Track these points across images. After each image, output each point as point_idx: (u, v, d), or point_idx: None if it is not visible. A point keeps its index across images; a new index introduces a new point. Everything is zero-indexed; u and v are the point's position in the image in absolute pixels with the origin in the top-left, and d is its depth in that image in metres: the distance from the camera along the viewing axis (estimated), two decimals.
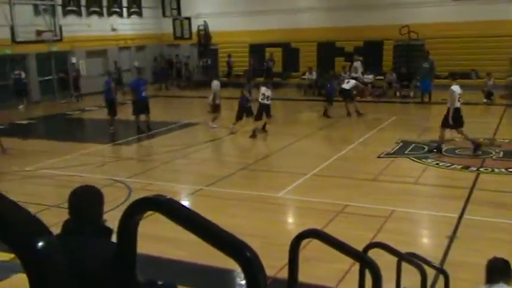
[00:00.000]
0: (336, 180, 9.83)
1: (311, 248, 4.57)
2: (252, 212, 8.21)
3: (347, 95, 16.75)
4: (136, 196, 6.92)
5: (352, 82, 17.28)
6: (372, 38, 22.86)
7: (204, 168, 11.19)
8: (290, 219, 8.49)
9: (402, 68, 21.33)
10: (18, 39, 17.98)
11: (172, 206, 1.27)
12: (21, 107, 15.74)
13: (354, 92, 17.30)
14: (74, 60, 23.29)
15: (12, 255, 3.06)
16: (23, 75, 19.65)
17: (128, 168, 11.37)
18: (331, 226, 7.32)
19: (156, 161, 11.91)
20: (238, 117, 13.97)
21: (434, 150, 11.46)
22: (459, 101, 11.14)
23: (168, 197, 1.35)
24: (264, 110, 13.82)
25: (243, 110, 13.90)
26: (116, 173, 10.58)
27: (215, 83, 15.38)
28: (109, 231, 2.39)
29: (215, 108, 15.13)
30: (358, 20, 22.82)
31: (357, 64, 21.61)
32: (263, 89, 14.00)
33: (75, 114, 19.38)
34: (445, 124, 11.29)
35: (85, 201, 2.49)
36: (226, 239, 1.23)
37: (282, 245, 5.59)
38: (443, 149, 11.43)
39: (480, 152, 11.18)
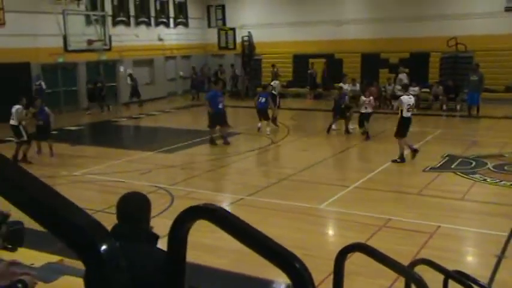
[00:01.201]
0: (379, 193, 9.67)
1: (352, 261, 4.51)
2: (293, 223, 8.17)
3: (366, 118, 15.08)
4: (178, 203, 7.06)
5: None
6: (418, 50, 22.48)
7: (245, 178, 11.23)
8: (331, 232, 8.40)
9: (449, 81, 20.83)
10: (70, 48, 18.65)
11: (222, 215, 1.29)
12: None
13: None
14: (121, 69, 23.99)
15: (60, 258, 3.16)
16: (44, 85, 19.30)
17: (171, 175, 11.55)
18: (374, 240, 7.19)
19: (199, 169, 12.05)
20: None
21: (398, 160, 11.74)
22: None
23: (218, 206, 1.38)
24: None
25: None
26: (159, 180, 10.76)
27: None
28: (156, 237, 2.44)
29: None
30: (404, 31, 22.51)
31: (402, 76, 21.29)
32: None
33: (122, 121, 19.87)
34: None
35: (133, 207, 2.54)
36: (275, 250, 1.24)
37: (322, 258, 5.55)
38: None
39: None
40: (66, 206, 0.81)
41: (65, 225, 0.77)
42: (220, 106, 13.76)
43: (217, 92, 14.08)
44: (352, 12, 24.42)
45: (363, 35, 23.76)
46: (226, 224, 1.28)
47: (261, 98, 15.81)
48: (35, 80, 20.23)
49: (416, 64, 22.25)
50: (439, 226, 7.73)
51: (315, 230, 8.01)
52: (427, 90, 21.29)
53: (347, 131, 15.46)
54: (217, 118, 13.82)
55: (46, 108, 13.32)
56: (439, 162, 11.74)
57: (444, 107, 20.33)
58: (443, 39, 21.46)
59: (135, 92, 23.19)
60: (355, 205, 8.91)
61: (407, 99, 11.99)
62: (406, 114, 11.86)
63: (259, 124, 15.86)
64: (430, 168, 11.23)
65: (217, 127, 14.14)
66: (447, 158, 12.14)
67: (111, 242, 0.77)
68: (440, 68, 22.72)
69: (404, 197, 9.36)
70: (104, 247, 0.75)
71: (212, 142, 13.93)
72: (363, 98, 15.01)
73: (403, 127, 11.87)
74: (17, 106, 12.50)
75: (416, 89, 20.92)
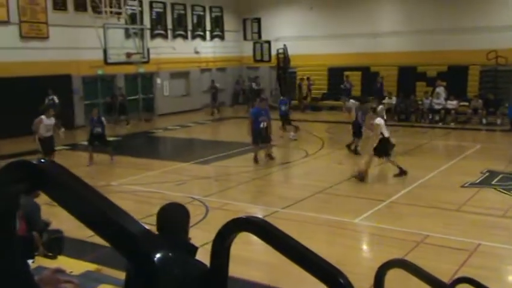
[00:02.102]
0: (416, 208, 9.48)
1: (390, 278, 4.43)
2: (327, 237, 8.09)
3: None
4: (213, 215, 7.10)
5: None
6: (456, 63, 22.05)
7: (280, 190, 11.21)
8: (367, 247, 8.27)
9: (489, 94, 20.36)
10: (109, 61, 19.11)
11: (266, 227, 1.29)
12: (61, 131, 14.79)
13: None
14: (158, 81, 24.44)
15: (98, 266, 3.23)
16: (56, 99, 18.58)
17: (205, 186, 11.63)
18: (411, 257, 7.03)
19: (234, 181, 12.10)
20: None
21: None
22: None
23: (261, 218, 1.38)
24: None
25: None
26: (194, 191, 10.85)
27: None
28: (195, 248, 2.45)
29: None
30: (442, 44, 22.15)
31: (440, 89, 20.96)
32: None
33: (158, 133, 20.18)
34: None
35: (174, 218, 2.57)
36: (319, 264, 1.23)
37: (359, 274, 5.46)
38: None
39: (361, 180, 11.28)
40: (121, 215, 0.83)
41: (120, 235, 0.79)
42: (261, 125, 13.47)
43: (261, 110, 13.80)
44: (389, 24, 24.22)
45: (399, 48, 23.50)
46: (270, 236, 1.29)
47: (281, 105, 17.46)
48: (76, 92, 20.80)
49: (454, 77, 21.82)
50: (480, 244, 7.52)
51: (350, 244, 7.91)
52: (466, 104, 20.85)
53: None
54: (259, 135, 13.60)
55: (103, 119, 14.23)
56: (479, 178, 11.43)
57: (484, 121, 19.86)
58: (482, 52, 21.01)
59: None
60: (391, 220, 8.76)
61: (383, 121, 11.84)
62: (386, 134, 11.63)
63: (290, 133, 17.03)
64: (470, 184, 10.95)
65: (260, 144, 13.84)
66: (487, 173, 11.81)
67: (165, 251, 0.78)
68: (479, 82, 22.22)
69: (443, 213, 9.14)
70: (157, 256, 0.76)
71: (256, 161, 13.59)
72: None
73: (386, 146, 11.64)
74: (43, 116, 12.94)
75: (455, 102, 20.54)
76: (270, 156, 13.92)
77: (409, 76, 23.29)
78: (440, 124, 20.05)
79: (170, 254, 2.32)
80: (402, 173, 11.58)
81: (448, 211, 9.25)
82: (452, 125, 19.78)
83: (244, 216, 1.32)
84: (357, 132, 14.28)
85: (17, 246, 1.06)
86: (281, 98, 18.85)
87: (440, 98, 20.72)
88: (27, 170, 0.91)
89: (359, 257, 7.33)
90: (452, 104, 20.53)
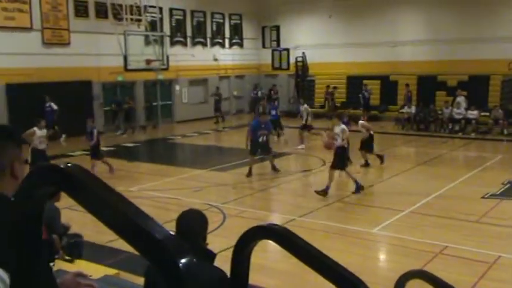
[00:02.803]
0: (435, 219, 9.36)
1: None
2: (345, 246, 8.03)
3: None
4: (230, 222, 7.11)
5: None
6: (477, 73, 21.81)
7: (297, 198, 11.18)
8: (385, 257, 8.19)
9: (510, 105, 20.10)
10: (129, 67, 19.33)
11: (287, 236, 1.30)
12: (62, 139, 14.17)
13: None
14: (177, 87, 24.61)
15: (116, 271, 3.25)
16: (55, 106, 18.14)
17: (222, 193, 11.65)
18: (429, 268, 6.93)
19: (251, 189, 12.10)
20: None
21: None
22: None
23: (283, 227, 1.38)
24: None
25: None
26: (211, 198, 10.88)
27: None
28: (213, 255, 2.46)
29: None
30: (463, 53, 21.94)
31: (460, 99, 20.74)
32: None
33: (176, 139, 20.30)
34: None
35: (192, 224, 2.59)
36: (341, 273, 1.23)
37: (377, 284, 5.42)
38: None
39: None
40: (146, 221, 0.85)
41: (146, 240, 0.80)
42: (260, 139, 12.95)
43: (261, 123, 13.15)
44: (409, 33, 24.07)
45: (419, 57, 23.35)
46: (291, 245, 1.29)
47: (272, 110, 18.01)
48: (96, 98, 21.03)
49: (475, 87, 21.57)
50: (500, 256, 7.39)
51: (368, 254, 7.84)
52: (487, 114, 20.58)
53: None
54: (257, 146, 13.14)
55: (95, 130, 13.35)
56: (500, 189, 11.26)
57: (505, 131, 19.58)
58: (504, 62, 20.78)
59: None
60: (409, 230, 8.67)
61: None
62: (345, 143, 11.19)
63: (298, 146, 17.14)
64: (490, 195, 10.79)
65: (261, 155, 13.56)
66: (508, 185, 11.63)
67: (190, 258, 0.79)
68: (501, 92, 21.94)
69: (462, 224, 9.02)
70: (183, 262, 0.77)
71: (249, 174, 12.92)
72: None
73: (343, 159, 11.30)
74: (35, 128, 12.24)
75: (475, 112, 20.30)
76: (274, 168, 13.32)
77: (428, 85, 23.10)
78: (460, 134, 19.82)
79: (195, 260, 2.34)
80: (359, 188, 10.93)
81: (468, 222, 9.12)
82: (472, 135, 19.54)
83: (265, 224, 1.32)
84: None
85: (43, 249, 1.08)
86: (272, 103, 19.98)
87: (461, 108, 20.50)
88: (55, 174, 0.93)
89: (376, 267, 7.26)
90: (473, 114, 20.29)
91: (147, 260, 0.82)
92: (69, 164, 0.97)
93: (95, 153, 13.28)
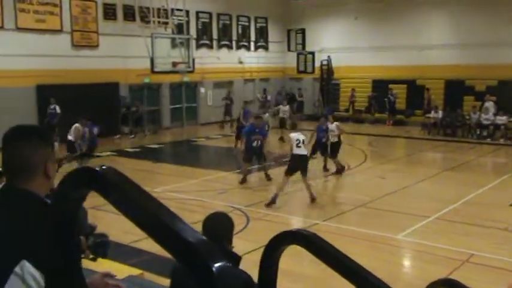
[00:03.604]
0: (462, 226, 9.20)
1: None
2: (369, 252, 7.94)
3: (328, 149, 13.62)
4: (254, 225, 7.09)
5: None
6: (507, 77, 21.39)
7: (321, 203, 11.11)
8: (410, 263, 8.08)
9: None
10: (156, 70, 19.53)
11: (317, 241, 1.29)
12: (56, 143, 13.95)
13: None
14: (202, 90, 24.78)
15: (141, 271, 3.28)
16: (58, 109, 17.85)
17: (246, 196, 11.66)
18: (455, 276, 6.81)
19: (274, 192, 12.06)
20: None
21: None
22: (298, 146, 10.62)
23: (312, 232, 1.38)
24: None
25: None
26: (235, 201, 10.90)
27: None
28: (238, 258, 2.46)
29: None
30: (492, 57, 21.53)
31: (489, 104, 20.38)
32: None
33: (200, 141, 20.42)
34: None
35: (219, 227, 2.60)
36: (371, 281, 1.22)
37: None
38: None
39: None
40: (179, 223, 0.85)
41: (179, 243, 0.81)
42: (253, 144, 12.48)
43: (255, 128, 12.66)
44: (436, 37, 23.75)
45: (447, 61, 23.00)
46: (320, 251, 1.28)
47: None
48: (123, 101, 21.28)
49: (504, 92, 21.16)
50: None
51: (393, 260, 7.75)
52: None
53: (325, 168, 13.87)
54: (252, 152, 12.72)
55: (85, 134, 13.44)
56: None
57: None
58: None
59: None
60: (435, 237, 8.54)
61: (296, 135, 10.98)
62: (295, 150, 10.72)
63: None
64: None
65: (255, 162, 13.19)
66: None
67: (224, 262, 0.79)
68: None
69: (490, 232, 8.84)
70: (216, 267, 0.78)
71: (243, 181, 12.59)
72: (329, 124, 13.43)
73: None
74: (76, 124, 13.27)
75: (504, 118, 19.91)
76: (267, 177, 12.87)
77: (456, 90, 22.76)
78: (488, 140, 19.46)
79: (228, 264, 2.35)
80: (272, 202, 10.51)
81: (496, 230, 8.93)
82: (501, 141, 19.15)
83: (295, 229, 1.32)
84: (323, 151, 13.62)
85: (76, 250, 1.10)
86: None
87: (489, 113, 20.14)
88: (90, 176, 0.95)
89: (401, 274, 7.17)
90: (502, 119, 19.90)
91: (180, 262, 0.83)
92: (103, 166, 0.99)
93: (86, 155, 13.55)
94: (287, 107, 20.28)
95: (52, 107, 18.00)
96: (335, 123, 13.35)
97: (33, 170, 1.62)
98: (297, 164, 10.69)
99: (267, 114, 17.22)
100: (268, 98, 26.22)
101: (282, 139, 18.44)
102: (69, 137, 13.28)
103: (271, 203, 10.45)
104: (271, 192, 12.10)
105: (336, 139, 13.28)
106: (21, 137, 1.66)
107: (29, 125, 1.80)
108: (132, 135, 20.69)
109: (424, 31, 24.04)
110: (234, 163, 15.47)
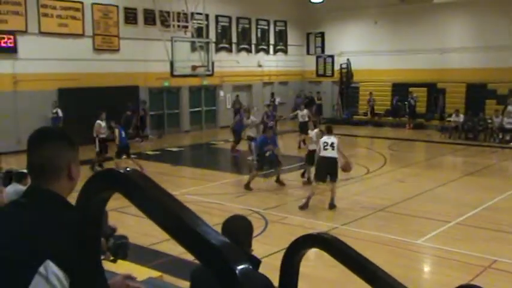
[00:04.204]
0: (483, 231, 9.06)
1: None
2: (388, 256, 7.87)
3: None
4: (272, 228, 7.09)
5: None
6: None
7: (340, 206, 11.04)
8: (430, 269, 7.99)
9: None
10: (175, 73, 19.65)
11: (338, 245, 1.29)
12: None
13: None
14: (221, 93, 24.87)
15: (160, 273, 3.30)
16: (60, 113, 17.80)
17: (264, 199, 11.65)
18: (477, 282, 6.71)
19: (292, 195, 12.06)
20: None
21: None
22: (325, 149, 10.44)
23: (333, 235, 1.37)
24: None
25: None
26: (253, 204, 10.91)
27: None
28: (258, 262, 2.46)
29: None
30: None
31: None
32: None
33: (219, 144, 20.48)
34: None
35: (238, 230, 2.60)
36: (393, 286, 1.21)
37: None
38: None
39: None
40: (203, 226, 0.86)
41: (203, 245, 0.82)
42: (266, 154, 12.71)
43: (267, 138, 12.97)
44: (457, 40, 23.48)
45: (468, 64, 22.72)
46: (341, 255, 1.28)
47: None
48: (141, 104, 21.44)
49: None
50: None
51: (413, 265, 7.67)
52: None
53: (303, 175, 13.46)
54: (265, 162, 12.86)
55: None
56: None
57: None
58: None
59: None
60: (456, 242, 8.42)
61: (325, 138, 10.70)
62: (321, 153, 10.53)
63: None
64: None
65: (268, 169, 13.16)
66: None
67: (247, 266, 0.80)
68: None
69: None
70: (239, 268, 0.78)
71: (247, 187, 12.45)
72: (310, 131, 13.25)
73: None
74: (98, 120, 14.32)
75: None
76: (279, 182, 12.91)
77: (478, 93, 22.46)
78: (511, 144, 19.14)
79: (251, 267, 2.36)
80: (305, 205, 10.51)
81: None
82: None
83: (315, 232, 1.32)
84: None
85: (99, 251, 1.12)
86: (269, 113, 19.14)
87: None
88: (115, 178, 0.96)
89: (421, 279, 7.08)
90: None
91: (203, 264, 0.83)
92: (128, 169, 1.00)
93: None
94: (305, 111, 20.18)
95: (54, 111, 18.00)
96: (315, 130, 12.69)
97: (57, 172, 1.64)
98: (323, 168, 10.53)
99: (253, 117, 17.18)
100: (277, 102, 25.42)
101: (304, 142, 17.95)
102: (101, 135, 14.24)
103: (304, 207, 10.53)
104: (290, 195, 12.10)
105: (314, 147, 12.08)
106: (46, 139, 1.69)
107: (54, 127, 1.83)
108: (139, 139, 20.41)
109: (445, 34, 23.79)
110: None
